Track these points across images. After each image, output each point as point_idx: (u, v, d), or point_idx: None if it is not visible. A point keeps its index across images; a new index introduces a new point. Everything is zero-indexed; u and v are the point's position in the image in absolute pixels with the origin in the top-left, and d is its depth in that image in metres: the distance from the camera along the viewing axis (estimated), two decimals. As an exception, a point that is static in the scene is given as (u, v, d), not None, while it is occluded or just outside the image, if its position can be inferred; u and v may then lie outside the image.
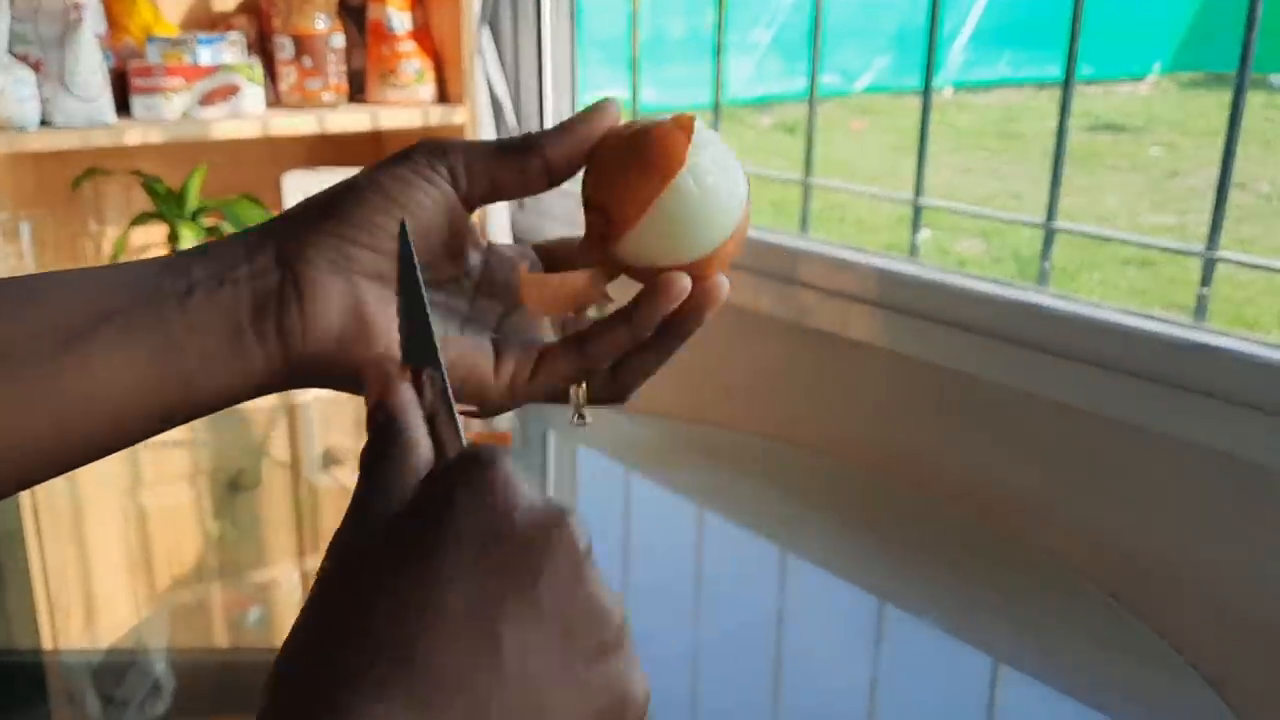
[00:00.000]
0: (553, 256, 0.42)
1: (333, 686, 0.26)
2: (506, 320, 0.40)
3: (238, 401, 0.35)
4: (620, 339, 0.38)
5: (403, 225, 0.35)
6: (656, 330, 0.38)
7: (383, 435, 0.31)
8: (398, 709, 0.26)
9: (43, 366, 0.32)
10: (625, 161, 0.36)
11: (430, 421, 0.32)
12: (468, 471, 0.29)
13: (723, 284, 0.38)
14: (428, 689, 0.26)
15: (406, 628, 0.27)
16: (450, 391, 0.33)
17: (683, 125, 0.36)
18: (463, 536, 0.28)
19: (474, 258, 0.40)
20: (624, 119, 0.38)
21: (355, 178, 0.37)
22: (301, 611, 0.29)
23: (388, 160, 0.37)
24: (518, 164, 0.37)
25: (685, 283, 0.36)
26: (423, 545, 0.28)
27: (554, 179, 0.38)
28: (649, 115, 0.38)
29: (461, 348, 0.38)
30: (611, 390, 0.39)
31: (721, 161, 0.36)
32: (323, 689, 0.26)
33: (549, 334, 0.41)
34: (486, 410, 0.39)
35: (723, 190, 0.36)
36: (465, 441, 0.32)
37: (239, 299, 0.34)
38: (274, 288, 0.34)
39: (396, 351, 0.35)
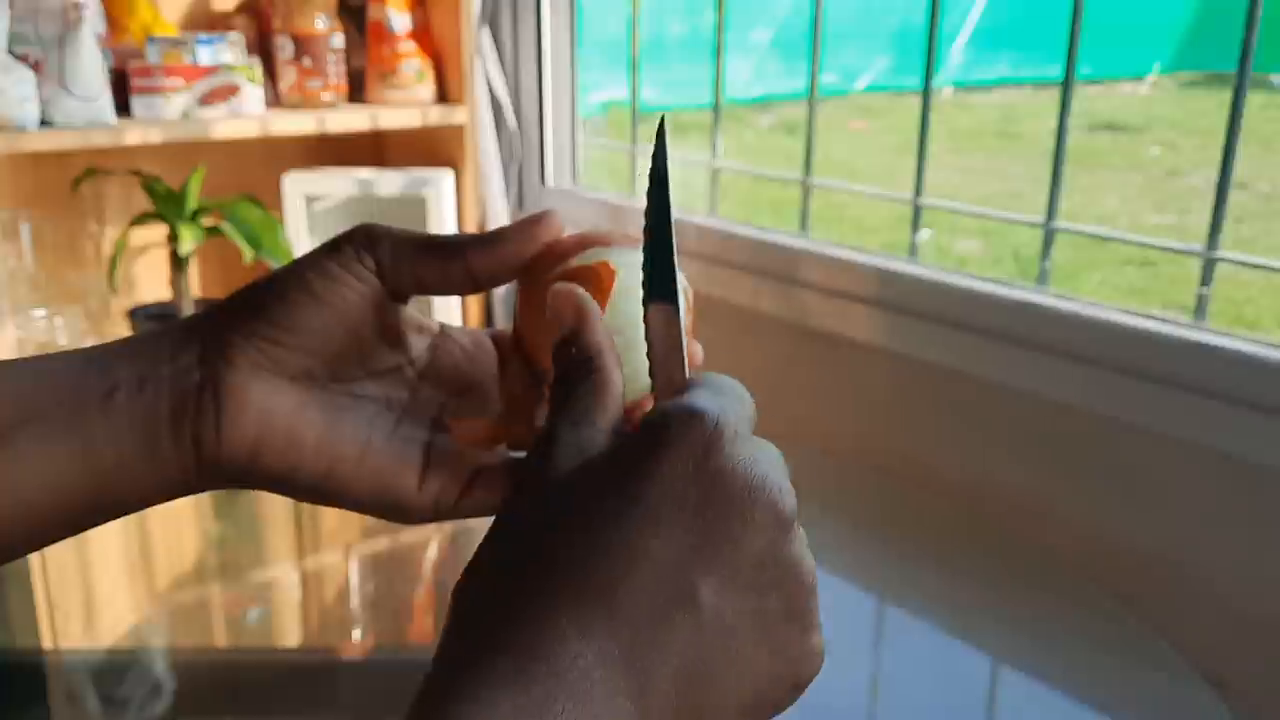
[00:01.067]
0: (506, 342, 0.40)
1: (531, 612, 0.27)
2: (448, 409, 0.39)
3: (153, 504, 0.35)
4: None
5: (662, 121, 0.34)
6: None
7: (576, 369, 0.32)
8: (594, 644, 0.27)
9: None
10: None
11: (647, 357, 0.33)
12: (688, 425, 0.29)
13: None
14: (627, 631, 0.27)
15: (612, 570, 0.28)
16: (684, 328, 0.33)
17: (603, 276, 0.35)
18: (674, 489, 0.28)
19: (420, 344, 0.38)
20: (564, 233, 0.37)
21: (284, 272, 0.35)
22: (490, 539, 0.30)
23: (318, 251, 0.35)
24: (441, 267, 0.35)
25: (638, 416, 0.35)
26: (634, 491, 0.28)
27: (478, 287, 0.36)
28: (595, 242, 0.36)
29: (383, 459, 0.36)
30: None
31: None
32: (520, 613, 0.27)
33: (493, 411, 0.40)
34: (407, 521, 0.37)
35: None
36: (686, 368, 0.33)
37: (158, 402, 0.33)
38: (193, 390, 0.34)
39: (317, 461, 0.35)
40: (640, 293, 0.34)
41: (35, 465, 0.32)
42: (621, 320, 0.35)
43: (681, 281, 0.35)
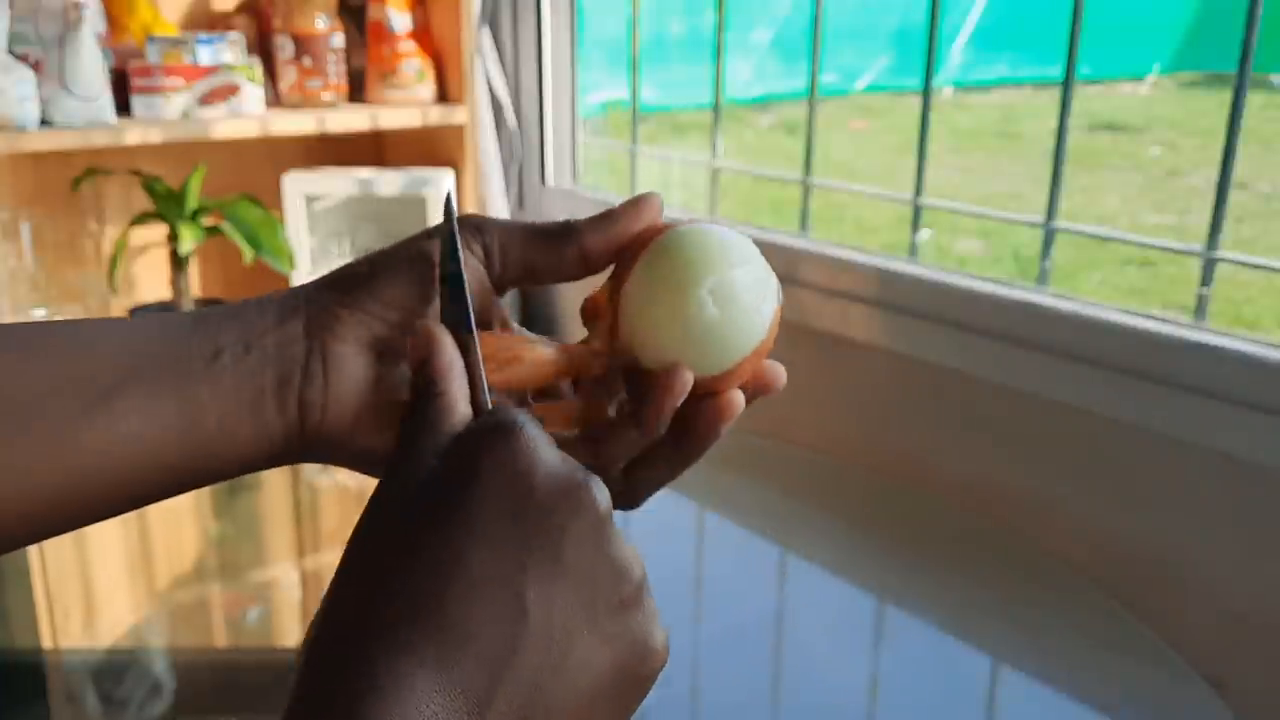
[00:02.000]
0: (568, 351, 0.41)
1: (366, 643, 0.27)
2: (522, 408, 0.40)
3: (250, 471, 0.35)
4: (632, 441, 0.37)
5: (448, 198, 0.36)
6: (670, 441, 0.37)
7: (422, 397, 0.32)
8: (429, 664, 0.27)
9: (67, 423, 0.31)
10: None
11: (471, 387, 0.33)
12: (492, 435, 0.30)
13: (736, 401, 0.36)
14: (456, 645, 0.27)
15: (435, 587, 0.28)
16: (480, 357, 0.34)
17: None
18: (487, 499, 0.29)
19: None
20: (663, 215, 0.37)
21: (393, 250, 0.36)
22: (338, 569, 0.30)
23: (427, 233, 0.36)
24: (555, 250, 0.36)
25: (686, 378, 0.35)
26: (449, 508, 0.29)
27: (590, 269, 0.37)
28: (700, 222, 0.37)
29: None
30: (623, 496, 0.39)
31: (747, 282, 0.35)
32: (356, 646, 0.28)
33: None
34: None
35: (745, 310, 0.35)
36: (488, 401, 0.33)
37: (264, 367, 0.33)
38: (300, 358, 0.34)
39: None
40: (725, 262, 0.35)
41: (137, 424, 0.32)
42: (732, 282, 0.35)
43: (773, 297, 0.36)
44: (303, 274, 1.65)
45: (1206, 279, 1.05)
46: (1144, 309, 1.07)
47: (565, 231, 0.36)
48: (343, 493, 1.19)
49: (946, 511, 1.14)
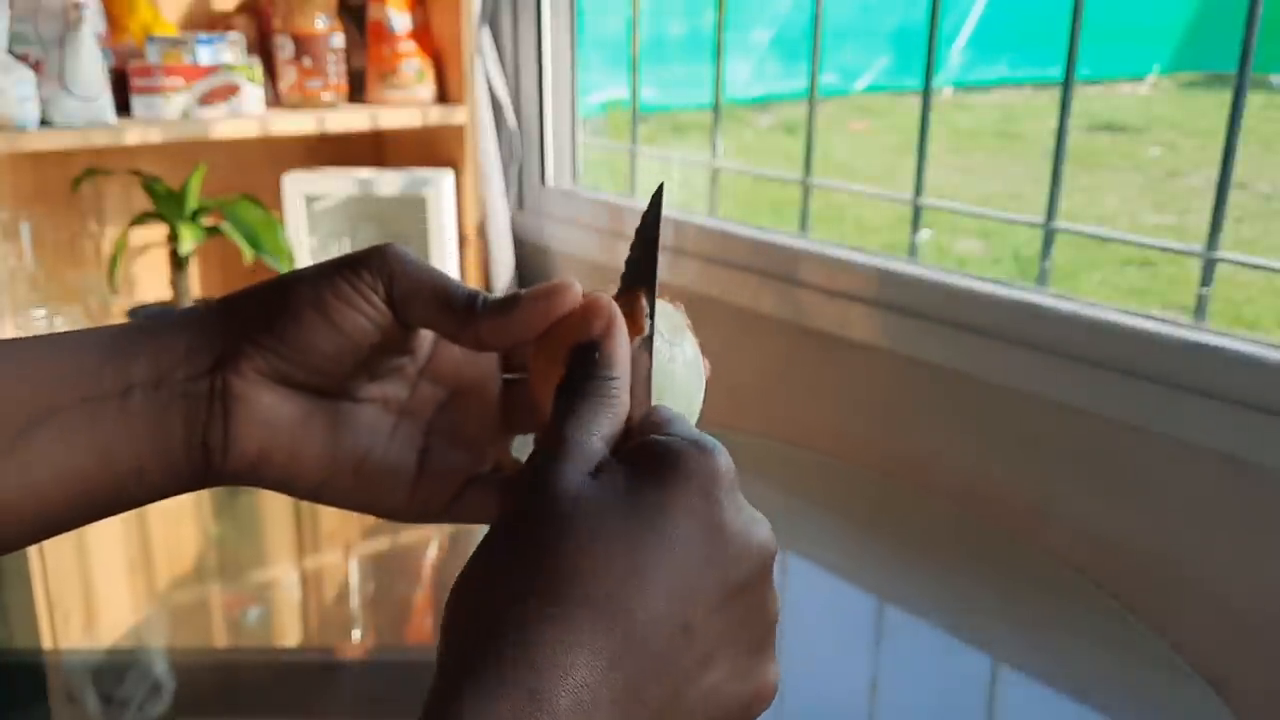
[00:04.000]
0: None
1: (548, 622, 0.28)
2: (448, 406, 0.39)
3: (160, 499, 0.36)
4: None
5: (659, 190, 0.38)
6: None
7: (591, 377, 0.33)
8: (600, 659, 0.28)
9: None
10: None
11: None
12: (702, 460, 0.30)
13: None
14: (625, 649, 0.28)
15: (622, 592, 0.28)
16: (655, 316, 0.35)
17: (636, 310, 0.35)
18: (681, 521, 0.30)
19: (424, 340, 0.38)
20: (578, 303, 0.35)
21: (299, 284, 0.35)
22: (490, 543, 0.30)
23: (334, 268, 0.35)
24: (453, 324, 0.35)
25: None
26: (648, 516, 0.30)
27: (485, 350, 0.36)
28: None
29: (379, 469, 0.37)
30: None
31: (682, 365, 0.36)
32: (538, 620, 0.28)
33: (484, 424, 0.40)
34: (396, 521, 0.38)
35: (680, 394, 0.36)
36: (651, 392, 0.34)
37: (171, 406, 0.34)
38: (204, 396, 0.34)
39: (316, 472, 0.36)
40: (662, 349, 0.35)
41: (53, 461, 0.33)
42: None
43: (698, 359, 0.37)
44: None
45: (1206, 279, 1.05)
46: (1144, 309, 1.07)
47: (466, 308, 0.35)
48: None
49: (946, 511, 1.14)
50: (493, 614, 0.28)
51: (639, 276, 0.36)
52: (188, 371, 0.34)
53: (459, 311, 0.35)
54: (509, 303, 0.35)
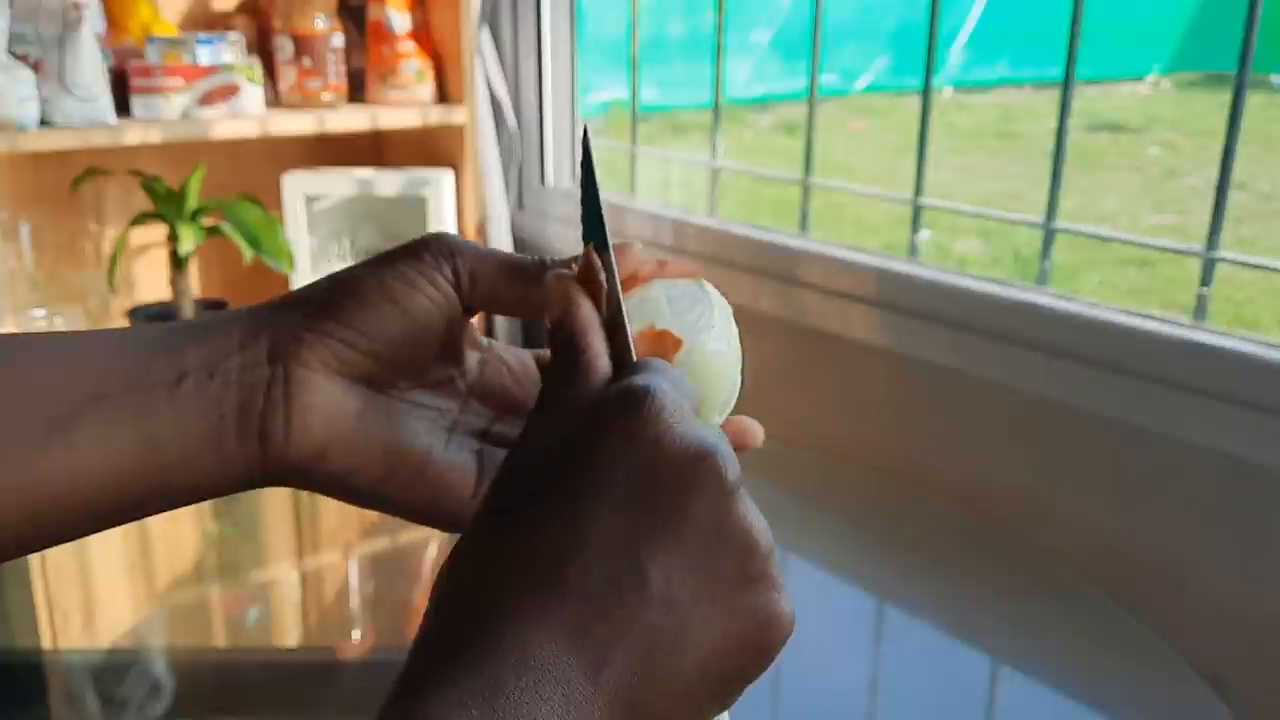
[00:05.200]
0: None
1: (487, 601, 0.28)
2: (495, 427, 0.39)
3: (211, 497, 0.35)
4: None
5: (585, 129, 0.37)
6: None
7: (563, 356, 0.32)
8: (544, 624, 0.27)
9: (27, 449, 0.31)
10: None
11: (609, 327, 0.33)
12: (622, 401, 0.30)
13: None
14: (573, 609, 0.28)
15: (559, 553, 0.28)
16: (618, 278, 0.34)
17: (667, 344, 0.35)
18: (614, 466, 0.29)
19: (471, 358, 0.39)
20: (648, 265, 0.37)
21: (361, 272, 0.35)
22: (467, 528, 0.30)
23: (396, 254, 0.35)
24: (522, 289, 0.36)
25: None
26: (576, 472, 0.29)
27: None
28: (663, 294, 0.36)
29: (442, 468, 0.36)
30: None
31: (720, 349, 0.35)
32: (477, 603, 0.28)
33: None
34: (455, 530, 0.37)
35: (716, 377, 0.35)
36: (633, 350, 0.33)
37: (226, 395, 0.33)
38: (262, 385, 0.33)
39: (381, 466, 0.35)
40: (692, 325, 0.34)
41: (98, 451, 0.32)
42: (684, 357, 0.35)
43: (723, 305, 0.36)
44: (302, 274, 1.65)
45: (1206, 279, 1.05)
46: (1144, 309, 1.07)
47: (536, 272, 0.36)
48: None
49: (946, 511, 1.14)
50: (452, 598, 0.29)
51: (589, 230, 0.36)
52: (243, 360, 0.33)
53: (530, 273, 0.36)
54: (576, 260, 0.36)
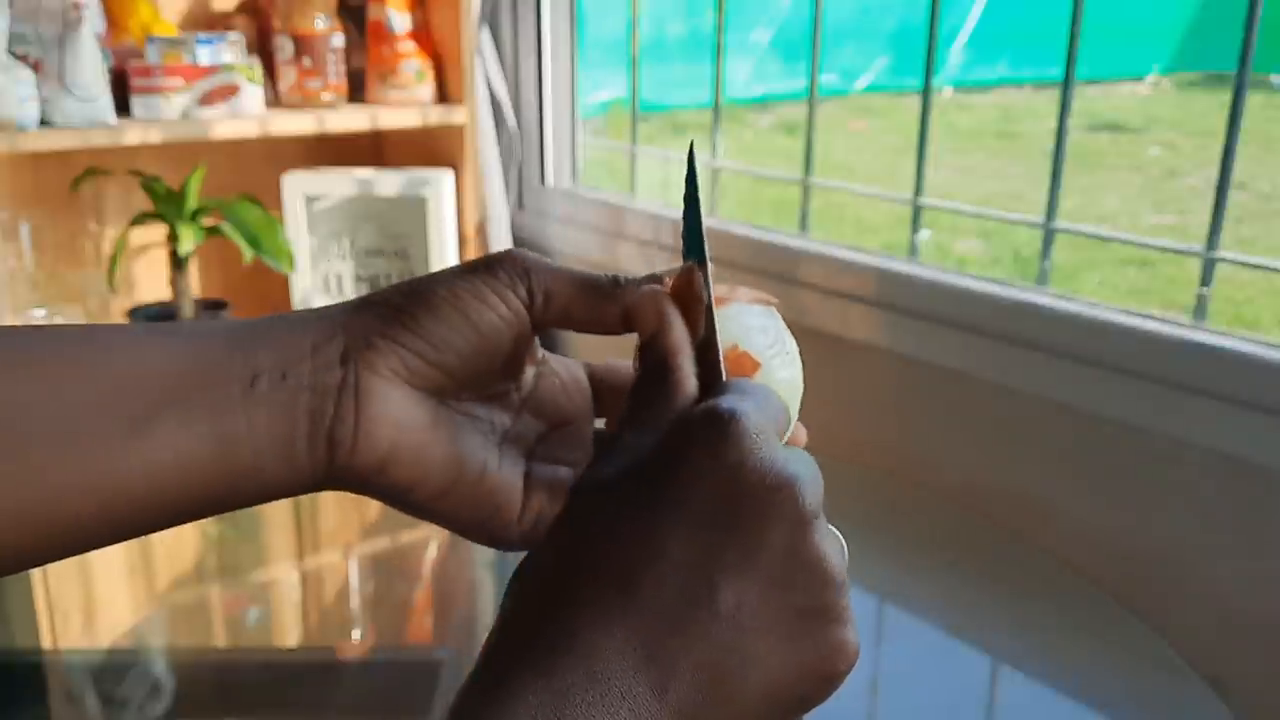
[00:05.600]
0: (602, 379, 0.41)
1: (560, 608, 0.29)
2: (545, 441, 0.39)
3: (277, 499, 0.35)
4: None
5: (691, 145, 0.38)
6: None
7: (652, 375, 0.33)
8: (615, 636, 0.28)
9: (108, 452, 0.31)
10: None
11: (700, 346, 0.34)
12: (706, 423, 0.30)
13: None
14: (644, 623, 0.28)
15: (632, 566, 0.29)
16: (712, 290, 0.35)
17: (745, 367, 0.35)
18: (694, 487, 0.29)
19: (528, 372, 0.39)
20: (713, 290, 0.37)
21: (435, 283, 0.35)
22: (548, 532, 0.32)
23: (471, 268, 0.35)
24: (597, 306, 0.36)
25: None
26: (655, 492, 0.30)
27: (629, 329, 0.37)
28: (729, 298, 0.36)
29: (497, 483, 0.36)
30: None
31: (787, 378, 0.36)
32: (551, 608, 0.29)
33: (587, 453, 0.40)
34: (496, 546, 0.37)
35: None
36: (723, 370, 0.34)
37: (298, 399, 0.33)
38: (333, 391, 0.33)
39: (440, 478, 0.35)
40: (766, 350, 0.35)
41: (174, 451, 0.32)
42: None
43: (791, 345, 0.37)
44: (302, 274, 1.65)
45: (1206, 279, 1.05)
46: (1144, 309, 1.07)
47: (610, 291, 0.36)
48: (342, 495, 1.19)
49: (946, 511, 1.14)
50: (526, 607, 0.30)
51: (689, 247, 0.37)
52: (315, 363, 0.33)
53: (605, 290, 0.36)
54: (650, 279, 0.37)
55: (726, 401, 0.31)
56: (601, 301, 0.36)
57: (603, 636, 0.28)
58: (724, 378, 0.34)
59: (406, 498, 0.35)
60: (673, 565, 0.29)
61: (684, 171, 0.38)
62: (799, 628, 0.30)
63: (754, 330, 0.36)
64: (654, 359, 0.33)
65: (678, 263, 0.37)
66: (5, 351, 0.31)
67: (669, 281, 0.36)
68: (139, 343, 0.33)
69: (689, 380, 0.33)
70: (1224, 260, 1.04)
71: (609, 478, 0.31)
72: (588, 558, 0.29)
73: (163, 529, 0.34)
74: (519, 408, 0.39)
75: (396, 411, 0.34)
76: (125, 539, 0.33)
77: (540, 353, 0.39)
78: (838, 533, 0.32)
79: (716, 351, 0.34)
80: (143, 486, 0.32)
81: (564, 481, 0.37)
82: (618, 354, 0.41)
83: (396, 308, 0.35)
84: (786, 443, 0.34)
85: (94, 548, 0.33)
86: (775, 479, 0.29)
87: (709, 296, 0.35)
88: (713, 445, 0.30)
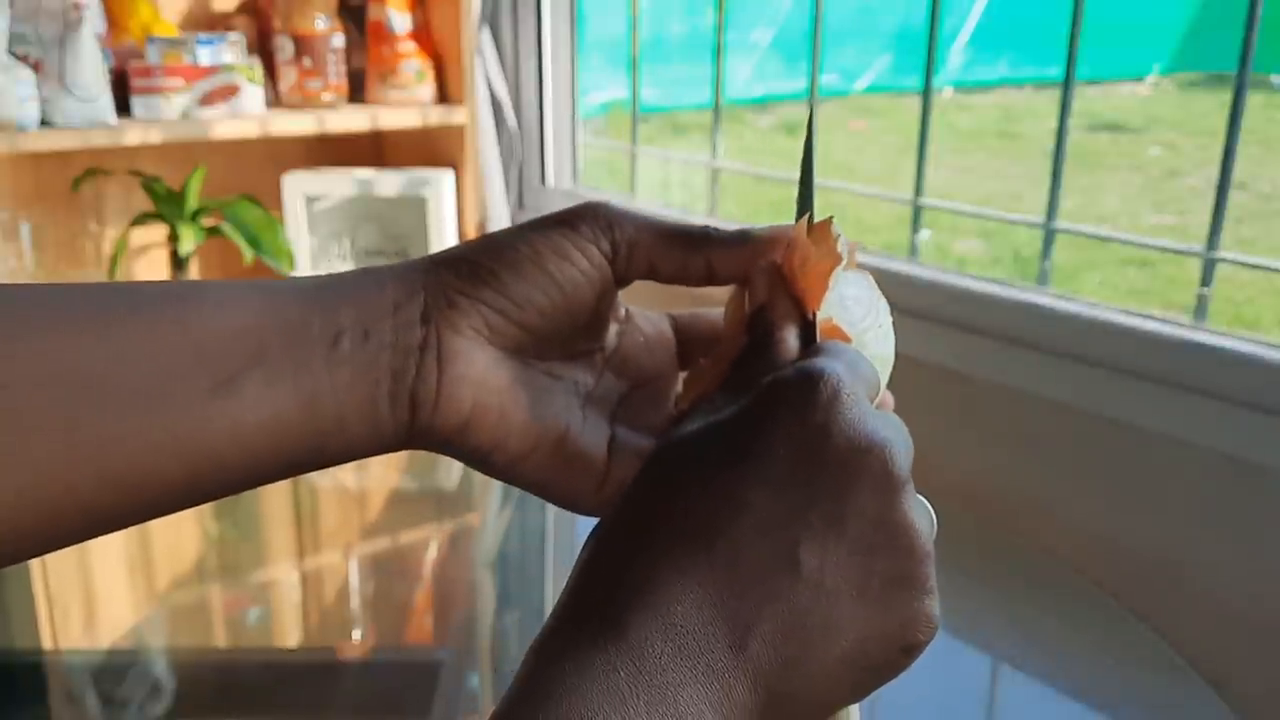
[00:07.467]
0: (687, 330, 0.40)
1: (640, 557, 0.28)
2: (627, 400, 0.38)
3: (359, 458, 0.34)
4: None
5: (811, 109, 0.39)
6: None
7: (760, 344, 0.33)
8: (693, 588, 0.27)
9: (195, 412, 0.30)
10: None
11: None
12: (797, 384, 0.30)
13: None
14: (724, 578, 0.28)
15: (714, 521, 0.28)
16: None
17: (837, 340, 0.34)
18: (781, 447, 0.29)
19: (611, 330, 0.38)
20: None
21: (515, 239, 0.34)
22: (630, 485, 0.31)
23: (551, 222, 0.35)
24: (682, 258, 0.35)
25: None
26: (741, 448, 0.29)
27: (712, 283, 0.36)
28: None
29: (579, 446, 0.35)
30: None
31: (882, 353, 0.35)
32: (629, 560, 0.29)
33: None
34: (577, 511, 0.36)
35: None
36: (818, 332, 0.34)
37: (380, 358, 0.32)
38: (415, 350, 0.32)
39: (522, 440, 0.34)
40: (860, 323, 0.34)
41: (259, 411, 0.31)
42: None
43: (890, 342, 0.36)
44: (302, 274, 1.65)
45: (1206, 279, 1.05)
46: (1144, 309, 1.07)
47: (699, 241, 0.35)
48: (342, 493, 1.19)
49: (947, 511, 1.14)
50: (604, 558, 0.29)
51: (801, 209, 0.36)
52: (396, 322, 0.33)
53: (694, 240, 0.35)
54: (743, 235, 0.36)
55: (818, 361, 0.30)
56: (689, 254, 0.35)
57: (680, 589, 0.27)
58: (817, 338, 0.33)
59: (488, 459, 0.34)
60: (756, 522, 0.28)
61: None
62: (881, 595, 0.29)
63: (849, 300, 0.35)
64: (762, 329, 0.33)
65: None
66: (86, 311, 0.30)
67: (767, 238, 0.36)
68: (220, 301, 0.32)
69: (792, 350, 0.33)
70: (1224, 260, 1.04)
71: (695, 434, 0.31)
72: (668, 511, 0.29)
73: (248, 489, 0.33)
74: (602, 367, 0.38)
75: (477, 371, 0.33)
76: (211, 499, 0.32)
77: (623, 309, 0.38)
78: (927, 503, 0.32)
79: (813, 316, 0.33)
80: (230, 448, 0.31)
81: (648, 451, 0.36)
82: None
83: (476, 264, 0.34)
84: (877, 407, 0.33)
85: (179, 509, 0.32)
86: (865, 440, 0.29)
87: (843, 258, 0.34)
88: (802, 404, 0.29)
